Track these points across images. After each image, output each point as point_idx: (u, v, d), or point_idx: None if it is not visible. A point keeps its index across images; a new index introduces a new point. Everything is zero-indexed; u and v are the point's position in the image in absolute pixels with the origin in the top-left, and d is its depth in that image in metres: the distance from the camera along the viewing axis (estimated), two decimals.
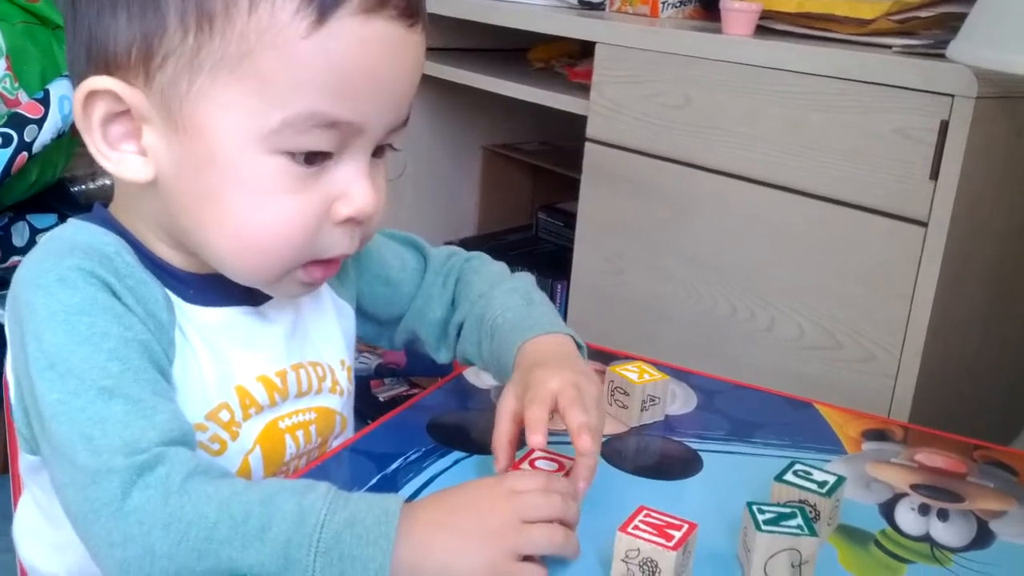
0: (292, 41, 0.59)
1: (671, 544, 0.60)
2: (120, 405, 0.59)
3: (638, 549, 0.60)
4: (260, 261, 0.65)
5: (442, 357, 0.85)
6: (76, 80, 0.64)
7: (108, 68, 0.63)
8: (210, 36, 0.60)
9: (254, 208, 0.63)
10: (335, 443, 0.78)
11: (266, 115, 0.61)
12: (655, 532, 0.61)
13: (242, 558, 0.56)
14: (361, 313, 0.84)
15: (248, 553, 0.56)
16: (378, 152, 0.67)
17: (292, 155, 0.62)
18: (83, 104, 0.63)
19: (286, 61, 0.60)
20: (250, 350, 0.71)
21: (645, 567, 0.60)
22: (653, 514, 0.63)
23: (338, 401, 0.77)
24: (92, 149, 0.64)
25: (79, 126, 0.64)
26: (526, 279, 0.85)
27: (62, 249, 0.64)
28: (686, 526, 0.62)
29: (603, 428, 0.71)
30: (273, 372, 0.72)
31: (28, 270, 0.64)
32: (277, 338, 0.73)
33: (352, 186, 0.64)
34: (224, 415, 0.69)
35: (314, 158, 0.63)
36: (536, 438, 0.65)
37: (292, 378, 0.73)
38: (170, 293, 0.68)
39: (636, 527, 0.61)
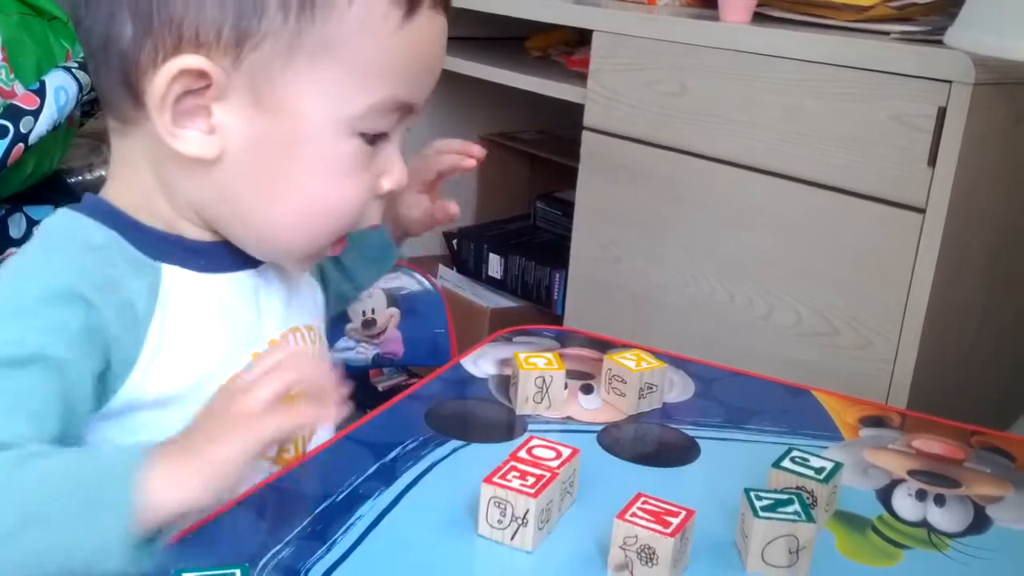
0: (386, 33, 0.64)
1: (669, 531, 0.60)
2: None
3: (636, 536, 0.60)
4: (314, 235, 0.69)
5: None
6: (148, 61, 0.63)
7: (190, 47, 0.62)
8: (312, 20, 0.62)
9: (328, 185, 0.67)
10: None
11: (355, 100, 0.65)
12: (653, 519, 0.61)
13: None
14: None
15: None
16: None
17: (365, 136, 0.66)
18: (168, 83, 0.62)
19: (380, 51, 0.64)
20: (260, 314, 0.73)
21: (643, 554, 0.60)
22: (651, 501, 0.63)
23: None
24: (161, 128, 0.64)
25: (151, 103, 0.63)
26: None
27: (56, 248, 0.65)
28: (683, 513, 0.62)
29: None
30: (279, 334, 0.74)
31: (17, 262, 0.65)
32: (279, 301, 0.75)
33: (394, 162, 0.70)
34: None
35: (377, 139, 0.68)
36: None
37: (292, 341, 0.75)
38: (175, 268, 0.68)
39: (634, 514, 0.61)
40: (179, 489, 0.54)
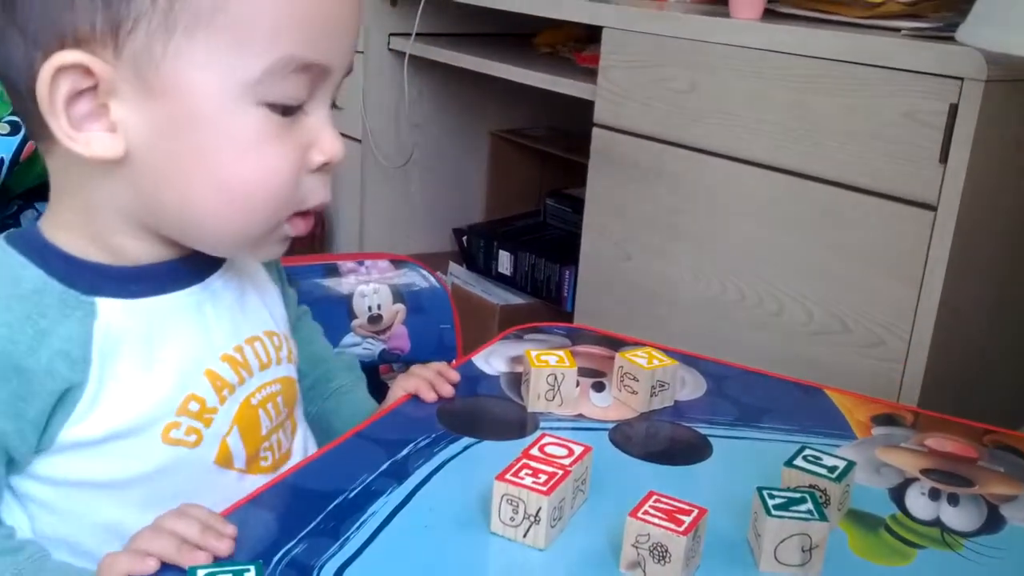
0: None
1: (681, 529, 0.60)
2: None
3: (648, 534, 0.60)
4: (250, 214, 0.66)
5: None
6: (25, 64, 0.62)
7: (71, 43, 0.61)
8: None
9: (242, 160, 0.64)
10: (297, 411, 0.80)
11: (246, 67, 0.61)
12: (665, 517, 0.61)
13: None
14: None
15: None
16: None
17: (271, 106, 0.63)
18: (50, 83, 0.60)
19: (258, 11, 0.61)
20: (208, 330, 0.71)
21: (655, 552, 0.60)
22: (663, 499, 0.63)
23: (293, 370, 0.79)
24: (59, 133, 0.62)
25: (43, 109, 0.61)
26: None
27: None
28: (696, 511, 0.62)
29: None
30: (232, 348, 0.72)
31: None
32: (228, 313, 0.73)
33: (322, 133, 0.66)
34: (193, 406, 0.69)
35: (290, 110, 0.64)
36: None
37: (250, 352, 0.73)
38: (109, 300, 0.66)
39: (646, 512, 0.61)
40: None
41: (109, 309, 0.66)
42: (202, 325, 0.71)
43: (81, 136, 0.62)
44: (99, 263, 0.67)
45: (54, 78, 0.61)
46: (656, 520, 0.60)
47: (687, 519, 0.61)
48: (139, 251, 0.68)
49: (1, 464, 0.65)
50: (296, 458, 0.77)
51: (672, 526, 0.60)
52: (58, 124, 0.62)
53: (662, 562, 0.60)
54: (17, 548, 0.64)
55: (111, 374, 0.66)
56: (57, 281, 0.65)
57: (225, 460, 0.71)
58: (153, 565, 0.57)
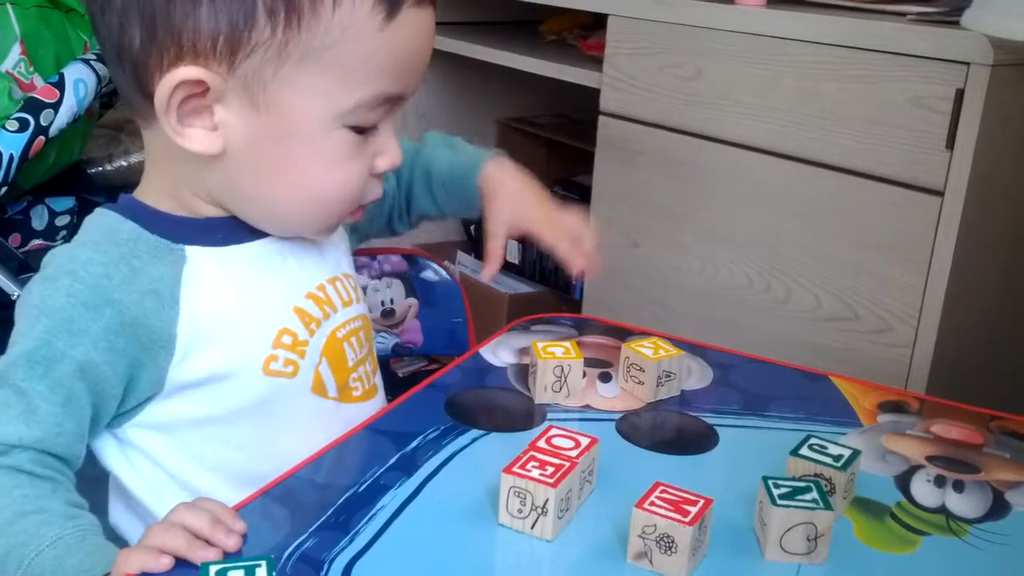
0: (369, 35, 0.68)
1: (687, 519, 0.60)
2: (15, 409, 0.66)
3: (655, 525, 0.61)
4: (325, 213, 0.75)
5: (400, 227, 0.97)
6: (155, 68, 0.68)
7: (193, 56, 0.67)
8: (298, 30, 0.67)
9: (327, 174, 0.72)
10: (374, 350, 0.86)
11: (343, 98, 0.69)
12: (671, 508, 0.61)
13: None
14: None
15: None
16: None
17: (353, 128, 0.71)
18: (171, 91, 0.67)
19: (364, 52, 0.68)
20: (290, 273, 0.78)
21: (662, 542, 0.61)
22: (669, 490, 0.63)
23: (366, 309, 0.85)
24: (167, 127, 0.69)
25: (159, 110, 0.68)
26: (433, 134, 0.98)
27: (88, 245, 0.73)
28: (702, 501, 0.62)
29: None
30: (315, 287, 0.79)
31: (55, 258, 0.72)
32: (309, 257, 0.80)
33: (388, 145, 0.74)
34: (286, 339, 0.75)
35: (365, 129, 0.72)
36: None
37: (332, 290, 0.80)
38: (196, 247, 0.74)
39: (652, 503, 0.62)
40: None
41: (197, 256, 0.74)
42: (285, 267, 0.77)
43: (186, 132, 0.69)
44: (185, 216, 0.75)
45: (176, 87, 0.67)
46: (662, 511, 0.61)
47: (693, 510, 0.61)
48: (210, 210, 0.75)
49: (88, 404, 0.69)
50: (380, 395, 0.85)
51: (678, 517, 0.61)
52: (168, 122, 0.69)
53: (668, 552, 0.61)
54: (74, 515, 0.65)
55: (204, 317, 0.72)
56: (149, 232, 0.73)
57: (320, 389, 0.78)
58: (167, 563, 0.59)
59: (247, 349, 0.74)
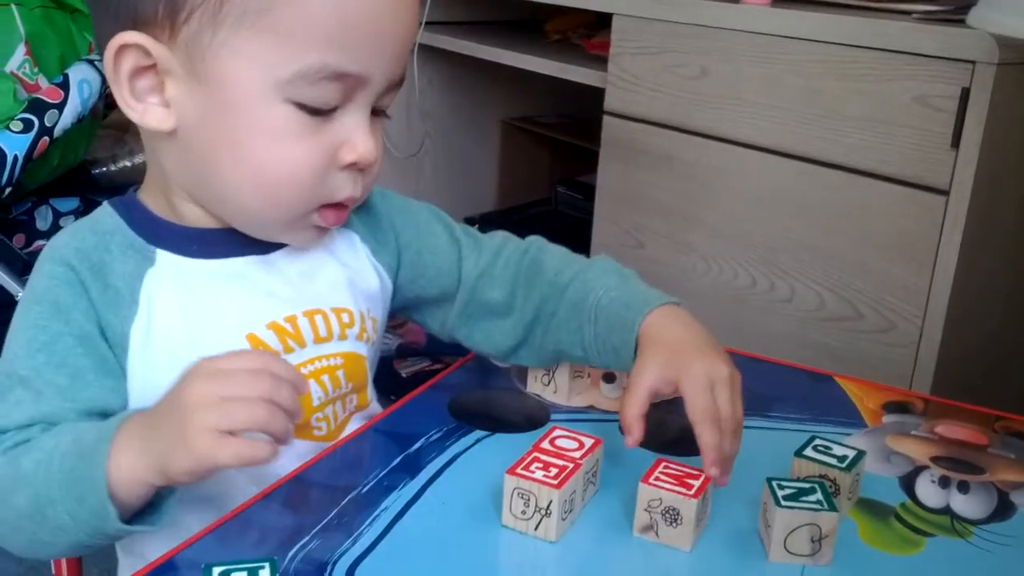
0: None
1: (691, 492, 0.63)
2: (22, 394, 0.67)
3: (660, 499, 0.63)
4: (275, 200, 0.70)
5: (520, 358, 0.82)
6: (104, 38, 0.68)
7: (136, 24, 0.67)
8: None
9: (269, 149, 0.68)
10: (369, 391, 0.80)
11: (281, 66, 0.66)
12: (675, 482, 0.64)
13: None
14: (405, 289, 0.84)
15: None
16: (375, 113, 0.72)
17: (300, 105, 0.67)
18: (114, 58, 0.67)
19: (301, 16, 0.65)
20: (255, 298, 0.74)
21: (667, 515, 0.63)
22: (671, 465, 0.66)
23: (367, 348, 0.79)
24: (120, 102, 0.69)
25: (109, 79, 0.69)
26: (605, 258, 0.82)
27: (70, 230, 0.74)
28: (703, 476, 0.65)
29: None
30: (282, 318, 0.74)
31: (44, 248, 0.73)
32: (285, 285, 0.75)
33: (354, 135, 0.69)
34: None
35: (320, 111, 0.68)
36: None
37: (305, 324, 0.75)
38: (167, 253, 0.73)
39: (657, 478, 0.65)
40: (136, 482, 0.62)
41: (165, 261, 0.73)
42: (251, 292, 0.74)
43: (139, 106, 0.69)
44: (168, 221, 0.74)
45: (118, 54, 0.67)
46: (667, 485, 0.64)
47: (696, 483, 0.64)
48: (196, 216, 0.74)
49: (99, 371, 0.69)
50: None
51: (682, 490, 0.63)
52: (120, 93, 0.69)
53: (674, 524, 0.63)
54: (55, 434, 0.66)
55: (157, 320, 0.71)
56: (130, 229, 0.73)
57: None
58: (271, 451, 0.60)
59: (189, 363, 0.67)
